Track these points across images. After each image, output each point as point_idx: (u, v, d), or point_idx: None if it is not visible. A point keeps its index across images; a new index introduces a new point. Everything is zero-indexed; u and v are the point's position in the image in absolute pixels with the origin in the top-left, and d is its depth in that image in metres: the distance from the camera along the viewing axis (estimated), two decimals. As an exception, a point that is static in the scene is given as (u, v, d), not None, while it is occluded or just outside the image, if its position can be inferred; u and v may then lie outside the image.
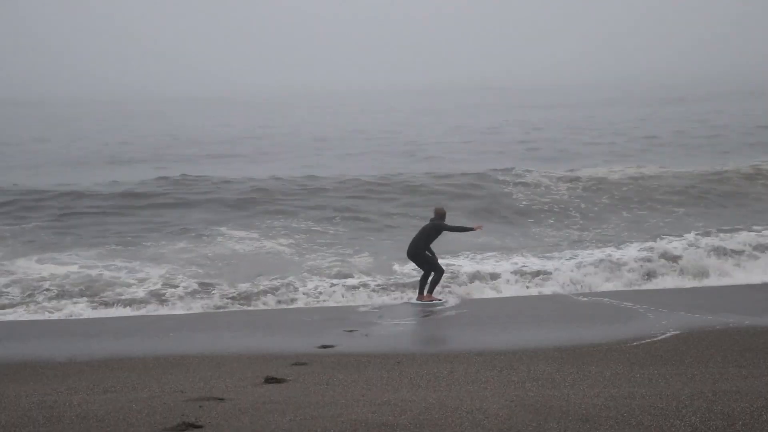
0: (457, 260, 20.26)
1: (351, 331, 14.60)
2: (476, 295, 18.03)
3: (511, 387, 10.21)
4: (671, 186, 30.75)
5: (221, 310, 17.25)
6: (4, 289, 18.20)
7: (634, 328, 14.09)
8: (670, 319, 14.66)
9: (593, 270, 19.53)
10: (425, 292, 17.48)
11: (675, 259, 20.27)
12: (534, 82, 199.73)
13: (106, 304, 17.45)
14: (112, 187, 31.29)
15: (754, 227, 23.54)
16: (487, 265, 19.99)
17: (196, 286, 18.38)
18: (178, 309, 17.27)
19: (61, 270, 19.91)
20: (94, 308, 17.21)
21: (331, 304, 17.63)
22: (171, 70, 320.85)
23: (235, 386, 10.60)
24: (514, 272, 19.41)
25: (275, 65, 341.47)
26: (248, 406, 9.31)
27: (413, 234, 18.27)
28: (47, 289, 18.24)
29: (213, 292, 18.10)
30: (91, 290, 18.26)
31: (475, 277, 19.04)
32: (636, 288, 18.67)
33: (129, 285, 18.59)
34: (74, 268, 20.09)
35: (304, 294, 18.08)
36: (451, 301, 17.42)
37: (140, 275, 19.39)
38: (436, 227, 17.65)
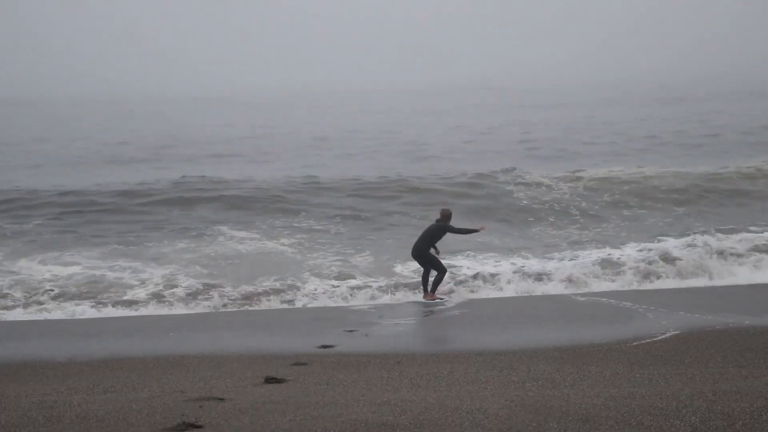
0: (458, 260, 20.27)
1: (351, 331, 14.60)
2: (476, 295, 18.04)
3: (511, 387, 10.21)
4: (671, 186, 30.75)
5: (221, 310, 17.26)
6: (8, 291, 18.16)
7: (634, 328, 14.09)
8: (670, 319, 14.66)
9: (593, 270, 19.54)
10: (429, 291, 17.55)
11: (675, 259, 20.28)
12: (534, 82, 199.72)
13: (113, 303, 17.45)
14: (113, 187, 31.29)
15: (754, 227, 23.55)
16: (487, 265, 20.00)
17: (198, 287, 18.40)
18: (181, 310, 17.27)
19: (63, 271, 19.91)
20: (99, 310, 17.19)
21: (332, 304, 17.64)
22: (171, 70, 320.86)
23: (235, 386, 10.60)
24: (514, 272, 19.42)
25: (275, 65, 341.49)
26: (248, 406, 9.31)
27: (414, 234, 18.34)
28: (49, 290, 18.22)
29: (211, 293, 18.09)
30: (94, 291, 18.24)
31: (475, 277, 19.05)
32: (636, 288, 18.67)
33: (132, 286, 18.58)
34: (77, 269, 20.11)
35: (304, 294, 18.09)
36: (452, 300, 17.43)
37: (143, 276, 19.39)
38: (440, 228, 17.73)
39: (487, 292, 18.28)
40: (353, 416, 8.71)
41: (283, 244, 23.03)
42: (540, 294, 18.20)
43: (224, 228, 24.75)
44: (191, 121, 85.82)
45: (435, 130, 64.95)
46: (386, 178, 32.84)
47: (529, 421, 8.43)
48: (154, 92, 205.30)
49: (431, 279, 17.70)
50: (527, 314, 15.78)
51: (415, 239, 18.25)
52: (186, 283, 18.66)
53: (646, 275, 19.42)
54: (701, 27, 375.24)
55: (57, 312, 17.07)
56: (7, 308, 17.21)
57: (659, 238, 22.60)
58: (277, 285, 18.55)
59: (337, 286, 18.48)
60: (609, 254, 20.92)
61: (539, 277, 19.14)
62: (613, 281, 19.05)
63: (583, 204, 28.53)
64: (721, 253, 20.67)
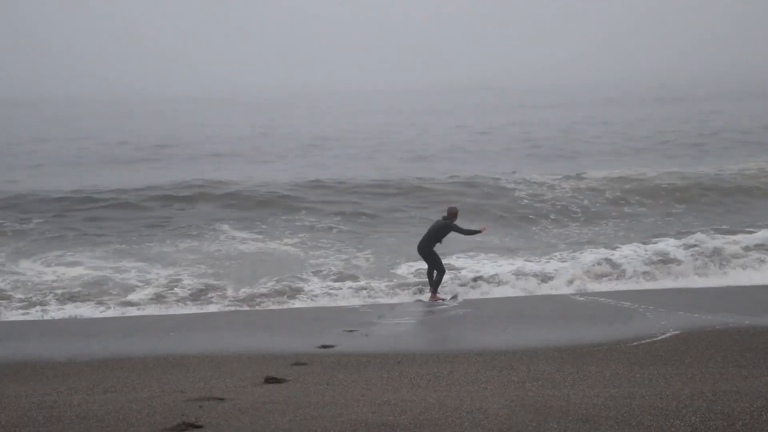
0: (458, 260, 20.27)
1: (351, 331, 14.60)
2: (476, 295, 18.03)
3: (511, 387, 10.21)
4: (671, 186, 30.77)
5: (221, 310, 17.26)
6: (11, 293, 18.13)
7: (634, 328, 14.09)
8: (670, 319, 14.66)
9: (593, 270, 19.55)
10: (431, 293, 17.63)
11: (675, 259, 20.29)
12: (534, 82, 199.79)
13: (116, 304, 17.44)
14: (114, 187, 31.30)
15: (755, 228, 23.56)
16: (487, 266, 20.01)
17: (201, 287, 18.42)
18: (183, 310, 17.26)
19: (66, 271, 19.91)
20: (101, 311, 17.18)
21: (332, 304, 17.64)
22: (171, 70, 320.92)
23: (235, 386, 10.60)
24: (514, 272, 19.43)
25: (275, 65, 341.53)
26: (248, 406, 9.31)
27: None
28: (53, 291, 18.19)
29: (213, 294, 18.10)
30: (97, 293, 18.22)
31: (475, 277, 19.05)
32: (636, 288, 18.67)
33: (135, 287, 18.57)
34: (80, 269, 20.12)
35: (305, 294, 18.10)
36: (455, 301, 17.43)
37: (146, 276, 19.38)
38: (445, 227, 17.78)
39: (487, 292, 18.28)
40: (353, 416, 8.71)
41: (285, 244, 23.09)
42: (540, 294, 18.20)
43: (225, 227, 24.83)
44: (191, 121, 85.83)
45: (435, 130, 64.96)
46: (387, 178, 32.86)
47: (529, 421, 8.43)
48: (154, 92, 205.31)
49: (434, 279, 17.75)
50: (527, 314, 15.78)
51: (415, 239, 18.34)
52: (188, 283, 18.68)
53: (646, 275, 19.43)
54: (701, 27, 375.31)
55: (60, 312, 17.06)
56: (11, 309, 17.18)
57: (659, 238, 22.61)
58: (279, 286, 18.55)
59: (339, 288, 18.48)
60: (609, 254, 20.93)
61: (539, 277, 19.14)
62: (613, 281, 19.05)
63: (584, 204, 28.55)
64: (720, 254, 20.68)
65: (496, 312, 16.10)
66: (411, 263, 20.07)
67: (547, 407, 8.93)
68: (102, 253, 21.92)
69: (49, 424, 8.85)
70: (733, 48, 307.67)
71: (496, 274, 19.26)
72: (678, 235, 22.90)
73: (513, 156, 44.53)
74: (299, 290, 18.34)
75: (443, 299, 17.54)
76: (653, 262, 20.11)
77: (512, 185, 31.42)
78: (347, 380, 10.84)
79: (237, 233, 24.22)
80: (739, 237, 22.27)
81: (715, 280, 19.17)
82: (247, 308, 17.37)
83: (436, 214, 26.62)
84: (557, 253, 21.48)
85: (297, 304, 17.70)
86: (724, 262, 20.14)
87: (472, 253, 21.18)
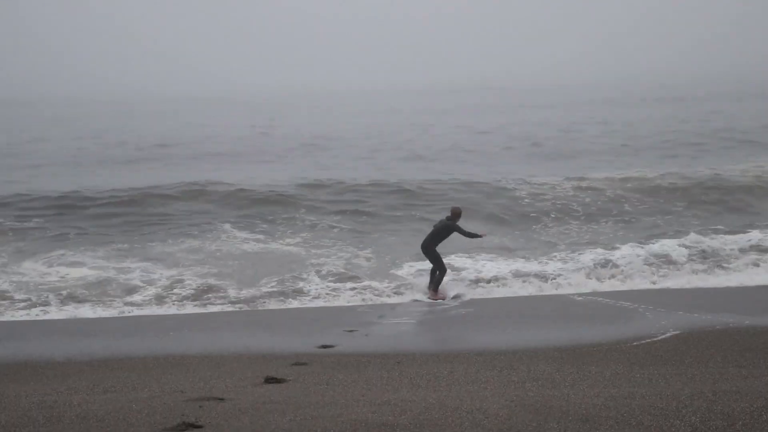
0: (458, 260, 20.27)
1: (351, 331, 14.60)
2: (476, 295, 18.03)
3: (511, 387, 10.21)
4: (672, 186, 30.76)
5: (221, 310, 17.25)
6: (15, 294, 18.09)
7: (634, 328, 14.10)
8: (669, 319, 14.66)
9: (593, 270, 19.55)
10: (430, 290, 17.69)
11: (675, 259, 20.29)
12: (534, 82, 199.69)
13: (125, 304, 17.43)
14: (114, 187, 31.29)
15: (755, 228, 23.57)
16: (488, 266, 20.01)
17: (203, 288, 18.39)
18: (185, 310, 17.23)
19: (69, 272, 19.89)
20: (103, 309, 17.16)
21: (332, 304, 17.64)
22: (171, 70, 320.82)
23: (235, 386, 10.60)
24: (514, 272, 19.43)
25: (275, 65, 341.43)
26: (248, 406, 9.31)
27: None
28: (57, 292, 18.16)
29: (212, 295, 18.09)
30: (99, 294, 18.19)
31: (475, 277, 19.06)
32: (635, 288, 18.67)
33: (138, 288, 18.54)
34: (84, 270, 20.10)
35: (306, 294, 18.09)
36: (456, 302, 17.44)
37: (148, 276, 19.36)
38: (448, 227, 17.90)
39: (487, 292, 18.28)
40: (353, 416, 8.71)
41: (287, 244, 23.11)
42: (540, 294, 18.20)
43: (227, 226, 24.88)
44: (191, 121, 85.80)
45: (435, 130, 64.95)
46: (387, 178, 32.86)
47: (529, 421, 8.43)
48: (154, 92, 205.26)
49: (435, 278, 17.81)
50: (527, 314, 15.78)
51: (416, 239, 18.45)
52: (190, 284, 18.67)
53: (646, 275, 19.42)
54: (701, 27, 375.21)
55: (62, 313, 17.03)
56: (14, 309, 17.16)
57: (659, 238, 22.61)
58: (279, 286, 18.55)
59: (339, 288, 18.48)
60: (609, 255, 20.94)
61: (539, 277, 19.14)
62: (613, 281, 19.04)
63: (584, 204, 28.53)
64: (720, 254, 20.69)
65: (496, 312, 16.11)
66: (412, 263, 20.07)
67: (547, 407, 8.93)
68: (104, 253, 21.93)
69: (49, 424, 8.85)
70: (733, 48, 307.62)
71: (497, 274, 19.26)
72: (678, 235, 22.90)
73: (513, 156, 44.52)
74: (300, 290, 18.34)
75: (442, 298, 17.54)
76: (653, 263, 20.12)
77: (512, 185, 31.41)
78: (347, 380, 10.84)
79: (238, 233, 24.23)
80: (739, 237, 22.28)
81: (714, 280, 19.17)
82: (247, 308, 17.36)
83: (436, 214, 26.71)
84: (557, 253, 21.47)
85: (297, 304, 17.69)
86: (724, 262, 20.14)
87: (472, 253, 21.16)
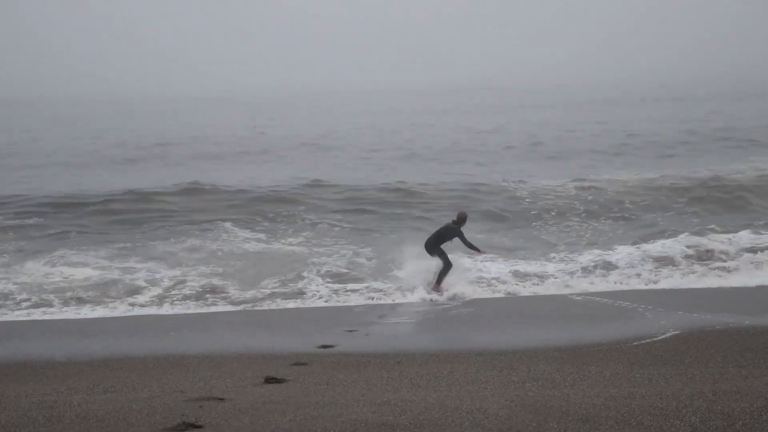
0: (458, 260, 20.24)
1: (351, 331, 14.61)
2: (476, 295, 18.03)
3: (511, 387, 10.21)
4: (672, 186, 30.76)
5: (221, 310, 17.25)
6: (17, 294, 18.06)
7: (634, 328, 14.10)
8: (669, 319, 14.66)
9: (593, 271, 19.54)
10: (434, 283, 17.97)
11: (675, 259, 20.29)
12: (534, 82, 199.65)
13: (127, 304, 17.41)
14: (115, 187, 31.31)
15: (755, 229, 23.57)
16: (488, 266, 20.00)
17: (205, 288, 18.38)
18: (188, 310, 17.22)
19: (71, 272, 19.87)
20: (105, 312, 17.12)
21: (332, 304, 17.63)
22: (171, 70, 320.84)
23: (235, 386, 10.60)
24: (514, 272, 19.43)
25: (275, 65, 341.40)
26: (248, 406, 9.31)
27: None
28: (59, 293, 18.13)
29: (213, 296, 18.09)
30: (101, 295, 18.16)
31: (475, 277, 19.05)
32: (635, 288, 18.66)
33: (140, 289, 18.52)
34: (86, 270, 20.09)
35: (306, 294, 18.09)
36: (449, 299, 17.47)
37: (151, 277, 19.34)
38: (452, 231, 18.26)
39: (487, 293, 18.28)
40: (353, 416, 8.71)
41: (290, 244, 23.16)
42: (540, 294, 18.19)
43: (228, 225, 24.97)
44: (191, 121, 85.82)
45: (436, 130, 64.96)
46: (388, 178, 32.87)
47: (529, 421, 8.43)
48: (154, 92, 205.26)
49: (439, 271, 18.14)
50: (527, 314, 15.79)
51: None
52: (192, 284, 18.68)
53: (646, 276, 19.40)
54: (701, 27, 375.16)
55: (64, 313, 17.00)
56: (18, 309, 17.13)
57: (660, 238, 22.60)
58: (280, 286, 18.56)
59: (340, 288, 18.48)
60: (609, 255, 20.94)
61: (539, 277, 19.14)
62: (613, 282, 19.03)
63: (584, 204, 28.51)
64: (721, 254, 20.68)
65: (496, 312, 16.11)
66: (412, 263, 20.06)
67: (547, 407, 8.93)
68: (105, 252, 21.96)
69: (49, 424, 8.85)
70: (733, 48, 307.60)
71: (497, 274, 19.26)
72: (678, 235, 22.87)
73: (513, 156, 44.53)
74: (300, 290, 18.34)
75: (439, 294, 17.70)
76: (653, 263, 20.11)
77: (513, 185, 31.42)
78: (347, 380, 10.84)
79: (240, 232, 24.26)
80: (739, 237, 22.27)
81: (714, 280, 19.15)
82: (248, 308, 17.35)
83: (435, 212, 26.77)
84: (557, 254, 21.48)
85: (298, 304, 17.68)
86: (724, 262, 20.13)
87: (472, 253, 21.14)
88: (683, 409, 8.72)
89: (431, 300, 17.53)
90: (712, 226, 24.29)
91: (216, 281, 18.92)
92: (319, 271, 19.72)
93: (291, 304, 17.57)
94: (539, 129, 61.77)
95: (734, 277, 19.21)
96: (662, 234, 23.37)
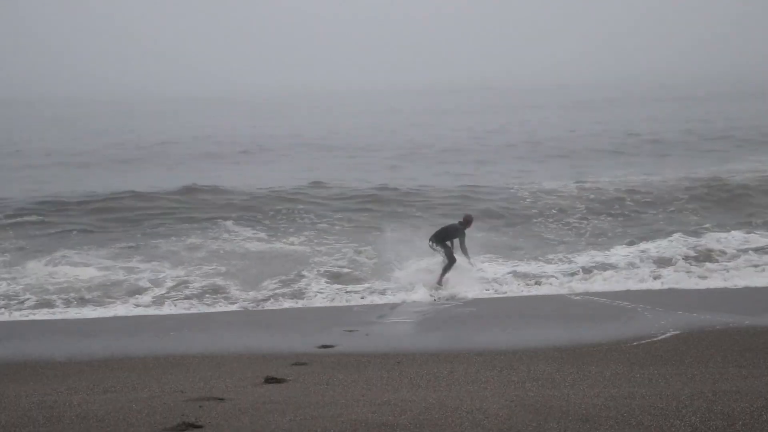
0: (459, 260, 20.25)
1: (351, 331, 14.61)
2: (476, 295, 18.02)
3: (511, 387, 10.21)
4: (672, 186, 30.74)
5: (221, 310, 17.25)
6: (23, 296, 18.04)
7: (633, 328, 14.10)
8: (669, 319, 14.66)
9: (593, 271, 19.53)
10: (438, 277, 18.43)
11: (674, 260, 20.29)
12: (534, 82, 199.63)
13: (128, 305, 17.40)
14: (115, 187, 31.32)
15: (755, 229, 23.58)
16: (488, 266, 20.00)
17: (206, 289, 18.39)
18: (189, 310, 17.21)
19: (80, 274, 19.86)
20: (106, 312, 17.11)
21: (332, 303, 17.63)
22: (171, 70, 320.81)
23: (235, 386, 10.60)
24: (514, 273, 19.42)
25: (275, 65, 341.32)
26: (248, 406, 9.31)
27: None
28: (61, 293, 18.11)
29: (215, 296, 18.09)
30: (103, 295, 18.15)
31: (475, 277, 19.04)
32: (635, 288, 18.64)
33: (142, 289, 18.51)
34: (90, 271, 20.09)
35: (307, 294, 18.09)
36: (449, 299, 17.47)
37: (153, 278, 19.34)
38: (456, 231, 18.80)
39: (487, 292, 18.27)
40: (353, 416, 8.71)
41: (291, 243, 23.20)
42: (540, 294, 18.19)
43: (229, 224, 25.05)
44: (191, 121, 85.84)
45: (436, 130, 64.97)
46: (388, 178, 32.86)
47: (529, 421, 8.43)
48: (154, 92, 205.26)
49: (443, 266, 18.58)
50: (527, 314, 15.78)
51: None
52: (194, 285, 18.70)
53: (646, 276, 19.38)
54: (701, 27, 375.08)
55: (66, 313, 16.99)
56: (21, 309, 17.11)
57: (659, 239, 22.59)
58: (281, 286, 18.57)
59: (340, 287, 18.48)
60: (609, 255, 20.95)
61: (539, 277, 19.14)
62: (613, 282, 19.00)
63: (584, 204, 28.49)
64: (721, 254, 20.68)
65: (496, 312, 16.11)
66: (413, 263, 20.08)
67: (547, 407, 8.93)
68: (107, 252, 22.01)
69: (49, 424, 8.85)
70: (733, 48, 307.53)
71: (497, 275, 19.25)
72: (678, 235, 22.88)
73: (514, 155, 44.53)
74: (301, 290, 18.35)
75: (438, 288, 18.09)
76: (653, 263, 20.10)
77: (513, 185, 31.42)
78: (347, 380, 10.85)
79: (242, 232, 24.29)
80: (739, 237, 22.27)
81: (714, 280, 19.13)
82: (248, 308, 17.35)
83: (438, 213, 26.76)
84: (558, 254, 21.47)
85: (298, 304, 17.69)
86: (724, 263, 20.12)
87: (472, 253, 21.15)
88: (683, 409, 8.72)
89: (432, 295, 17.62)
90: (712, 225, 24.28)
91: (217, 281, 18.94)
92: (319, 270, 19.73)
93: (291, 304, 17.58)
94: (539, 129, 61.80)
95: (734, 277, 19.18)
96: (662, 234, 23.36)
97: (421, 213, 27.30)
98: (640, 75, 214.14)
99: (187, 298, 17.86)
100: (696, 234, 22.92)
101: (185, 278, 19.18)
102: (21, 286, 18.64)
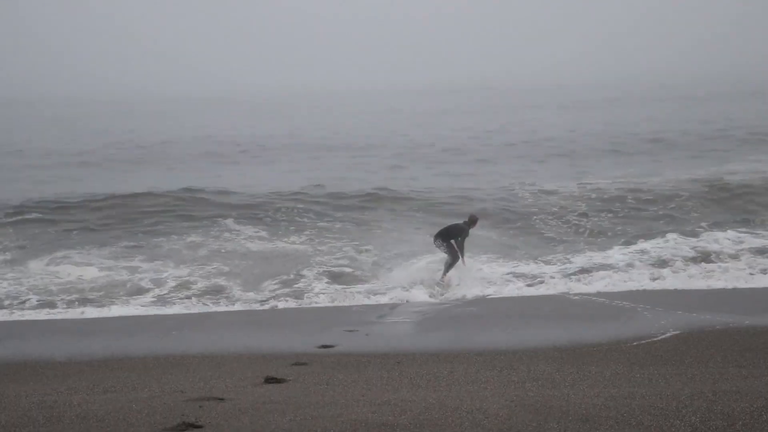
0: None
1: (351, 330, 14.61)
2: (476, 295, 18.03)
3: (511, 387, 10.21)
4: (673, 186, 30.74)
5: (221, 310, 17.25)
6: (24, 296, 18.03)
7: (633, 328, 14.10)
8: (669, 319, 14.66)
9: (593, 271, 19.55)
10: (442, 276, 18.74)
11: (674, 260, 20.29)
12: (534, 82, 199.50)
13: (129, 305, 17.41)
14: (116, 187, 31.33)
15: (755, 229, 23.58)
16: (488, 266, 20.01)
17: (206, 289, 18.41)
18: (189, 310, 17.22)
19: (84, 274, 19.88)
20: (105, 312, 17.11)
21: (333, 303, 17.64)
22: (171, 70, 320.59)
23: (235, 386, 10.60)
24: (515, 273, 19.44)
25: (275, 65, 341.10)
26: (248, 406, 9.31)
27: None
28: (64, 294, 18.11)
29: (215, 296, 18.11)
30: (106, 295, 18.15)
31: (475, 277, 19.06)
32: (636, 288, 18.64)
33: (143, 290, 18.52)
34: (92, 271, 20.11)
35: (307, 294, 18.10)
36: (448, 299, 17.50)
37: (154, 278, 19.36)
38: (459, 230, 19.14)
39: (487, 292, 18.28)
40: (353, 416, 8.71)
41: (293, 243, 23.24)
42: (540, 294, 18.19)
43: (229, 222, 25.08)
44: (192, 121, 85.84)
45: (436, 130, 64.97)
46: (389, 178, 32.88)
47: (529, 421, 8.43)
48: (154, 92, 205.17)
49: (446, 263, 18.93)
50: (527, 314, 15.79)
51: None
52: (197, 284, 18.75)
53: (647, 275, 19.39)
54: (701, 27, 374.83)
55: (67, 313, 16.99)
56: (20, 310, 17.11)
57: (659, 239, 22.60)
58: (282, 286, 18.59)
59: (340, 287, 18.50)
60: (609, 255, 20.97)
61: (539, 277, 19.15)
62: (613, 282, 19.00)
63: (584, 204, 28.50)
64: (721, 254, 20.68)
65: (495, 312, 16.11)
66: (413, 263, 20.10)
67: (547, 407, 8.93)
68: (108, 252, 22.05)
69: (49, 424, 8.85)
70: (733, 48, 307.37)
71: (497, 275, 19.27)
72: (678, 234, 22.88)
73: (514, 155, 44.53)
74: (301, 290, 18.36)
75: (441, 283, 18.36)
76: (653, 263, 20.11)
77: (513, 185, 31.42)
78: (347, 380, 10.85)
79: (242, 232, 24.31)
80: (739, 237, 22.28)
81: (714, 280, 19.12)
82: (249, 308, 17.36)
83: (438, 213, 26.76)
84: (558, 254, 21.47)
85: (298, 303, 17.69)
86: (724, 263, 20.12)
87: (473, 253, 21.15)
88: (683, 409, 8.72)
89: (432, 295, 17.76)
90: (712, 225, 24.28)
91: (218, 281, 18.98)
92: (320, 270, 19.75)
93: (291, 304, 17.59)
94: (539, 129, 61.78)
95: (734, 277, 19.19)
96: (662, 234, 23.36)
97: (421, 213, 27.31)
98: (640, 75, 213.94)
99: (187, 297, 17.89)
100: (696, 234, 22.93)
101: (187, 279, 19.22)
102: (22, 286, 18.66)
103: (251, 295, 18.10)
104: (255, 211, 27.17)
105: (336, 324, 15.22)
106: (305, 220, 26.07)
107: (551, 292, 18.27)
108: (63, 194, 29.95)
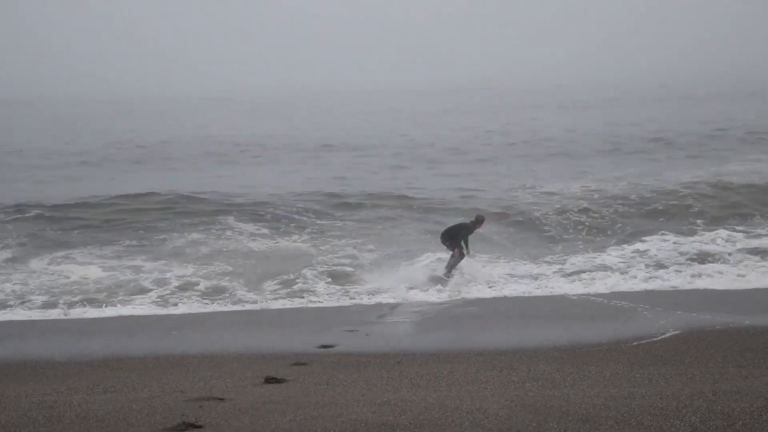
0: (465, 258, 20.28)
1: (351, 331, 14.61)
2: (476, 295, 18.04)
3: (511, 387, 10.21)
4: (673, 186, 30.72)
5: (221, 310, 17.25)
6: (26, 296, 18.00)
7: (633, 328, 14.10)
8: (669, 319, 14.66)
9: (592, 271, 19.55)
10: (446, 270, 19.05)
11: (674, 260, 20.29)
12: (534, 82, 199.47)
13: (129, 305, 17.41)
14: (116, 187, 31.33)
15: (755, 229, 23.57)
16: (488, 266, 20.02)
17: (206, 289, 18.42)
18: (189, 310, 17.21)
19: (76, 272, 19.88)
20: (106, 312, 17.11)
21: (332, 303, 17.64)
22: (171, 70, 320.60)
23: (235, 386, 10.60)
24: (515, 273, 19.44)
25: (275, 65, 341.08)
26: (248, 406, 9.31)
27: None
28: (64, 294, 18.10)
29: (215, 297, 18.11)
30: (106, 295, 18.14)
31: (475, 277, 19.07)
32: (635, 288, 18.65)
33: (143, 290, 18.52)
34: (94, 270, 20.13)
35: (307, 294, 18.10)
36: (448, 300, 17.51)
37: (159, 277, 19.37)
38: (465, 228, 19.56)
39: (487, 292, 18.28)
40: (353, 416, 8.71)
41: (294, 241, 23.22)
42: (539, 294, 18.19)
43: (230, 220, 25.15)
44: (191, 121, 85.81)
45: (437, 130, 64.94)
46: (390, 178, 32.86)
47: (529, 421, 8.43)
48: (154, 92, 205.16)
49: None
50: (527, 314, 15.79)
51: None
52: (197, 284, 18.75)
53: (645, 276, 19.39)
54: (701, 27, 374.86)
55: (68, 314, 16.98)
56: (21, 310, 17.11)
57: (659, 239, 22.61)
58: (282, 286, 18.60)
59: (340, 287, 18.50)
60: (609, 255, 20.98)
61: (539, 277, 19.15)
62: (613, 282, 19.00)
63: (585, 204, 28.46)
64: (721, 254, 20.68)
65: (495, 312, 16.11)
66: (414, 263, 20.12)
67: (547, 407, 8.93)
68: (110, 252, 22.07)
69: (49, 424, 8.85)
70: (733, 48, 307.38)
71: (497, 275, 19.27)
72: (678, 235, 22.88)
73: (514, 155, 44.51)
74: (301, 289, 18.36)
75: (448, 278, 18.68)
76: (653, 263, 20.11)
77: (513, 185, 31.42)
78: (347, 380, 10.85)
79: (244, 231, 24.32)
80: (738, 237, 22.28)
81: (714, 280, 19.13)
82: (249, 308, 17.36)
83: (438, 212, 26.75)
84: (557, 254, 21.47)
85: (298, 303, 17.69)
86: (724, 263, 20.12)
87: (473, 253, 21.16)
88: (683, 409, 8.72)
89: (447, 281, 18.25)
90: (712, 225, 24.27)
91: (219, 281, 18.98)
92: (321, 269, 19.76)
93: (291, 304, 17.59)
94: (539, 128, 61.75)
95: (733, 277, 19.20)
96: (661, 234, 23.35)
97: (422, 212, 27.29)
98: (640, 75, 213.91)
99: (187, 298, 17.88)
100: (696, 234, 22.92)
101: (188, 278, 19.23)
102: (23, 286, 18.66)
103: (252, 295, 18.10)
104: (256, 210, 27.16)
105: (336, 324, 15.23)
106: (306, 219, 26.07)
107: (551, 292, 18.27)
108: (63, 194, 29.94)
